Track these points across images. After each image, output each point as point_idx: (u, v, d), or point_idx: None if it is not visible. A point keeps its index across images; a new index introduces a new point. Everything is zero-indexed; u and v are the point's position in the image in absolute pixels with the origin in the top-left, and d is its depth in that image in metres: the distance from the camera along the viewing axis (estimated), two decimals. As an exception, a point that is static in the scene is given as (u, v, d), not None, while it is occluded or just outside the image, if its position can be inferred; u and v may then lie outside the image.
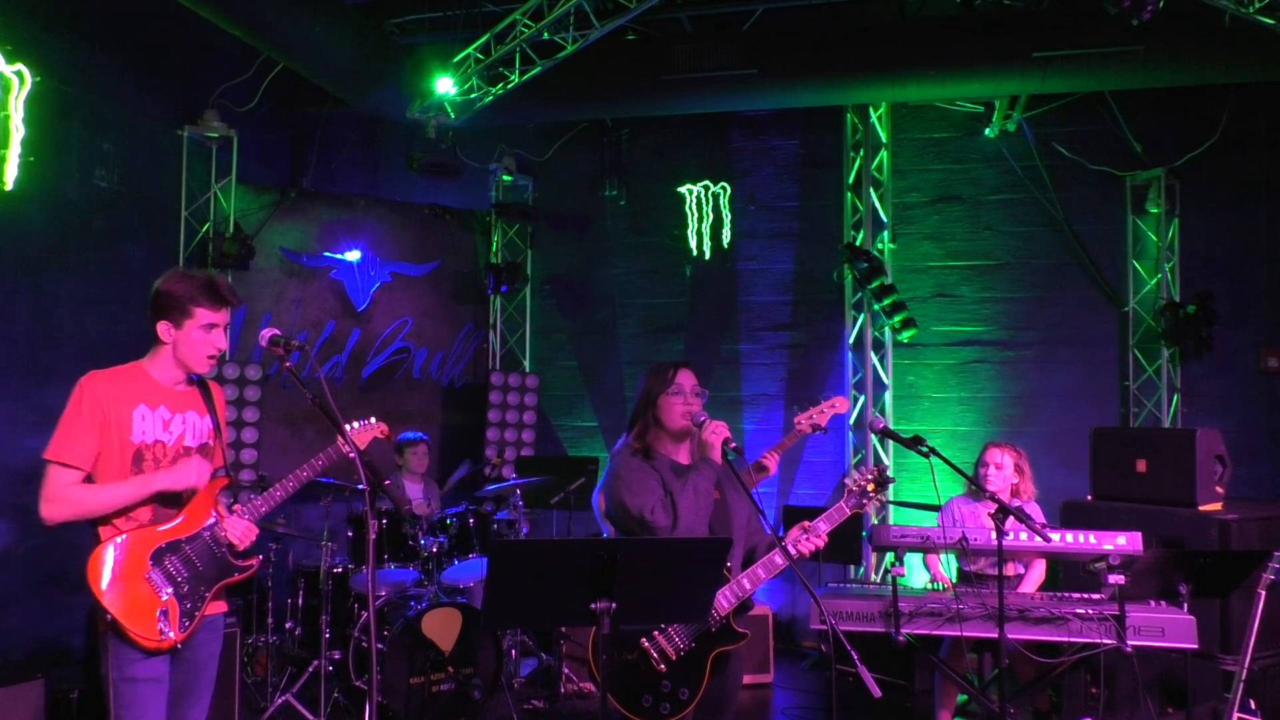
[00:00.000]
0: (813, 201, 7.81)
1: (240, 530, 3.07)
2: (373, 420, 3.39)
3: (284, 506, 6.45)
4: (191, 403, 3.11)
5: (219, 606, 3.10)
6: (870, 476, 3.34)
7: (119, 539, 2.90)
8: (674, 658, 3.21)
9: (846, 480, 3.40)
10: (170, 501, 3.01)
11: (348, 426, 3.28)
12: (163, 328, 3.01)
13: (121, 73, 6.52)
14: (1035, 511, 4.89)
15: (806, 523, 3.33)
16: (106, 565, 2.86)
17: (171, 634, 2.89)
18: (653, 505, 3.21)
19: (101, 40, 6.33)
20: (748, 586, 3.27)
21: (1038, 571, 4.96)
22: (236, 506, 3.14)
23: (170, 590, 2.92)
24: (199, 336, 3.01)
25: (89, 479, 2.92)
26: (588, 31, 6.30)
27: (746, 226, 7.91)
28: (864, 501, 3.33)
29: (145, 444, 2.97)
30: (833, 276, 7.64)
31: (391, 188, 8.24)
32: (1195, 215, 7.15)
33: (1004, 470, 4.87)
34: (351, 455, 3.02)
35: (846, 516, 3.35)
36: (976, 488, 4.64)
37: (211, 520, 3.06)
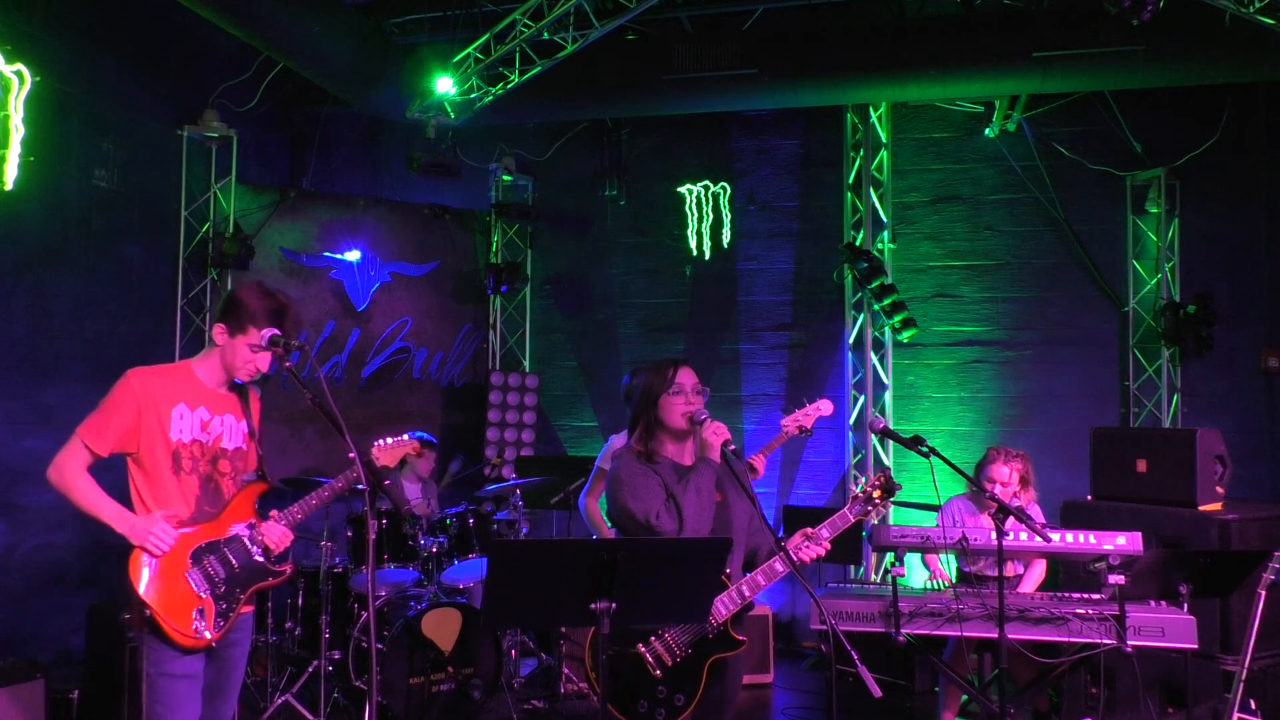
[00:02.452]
0: (813, 201, 7.80)
1: (277, 535, 3.13)
2: (405, 437, 3.42)
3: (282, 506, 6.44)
4: (231, 406, 3.17)
5: (248, 607, 3.14)
6: (877, 483, 3.28)
7: None
8: (670, 663, 3.19)
9: (852, 486, 3.37)
10: (212, 502, 3.06)
11: (381, 442, 3.39)
12: (218, 330, 3.11)
13: (121, 73, 6.51)
14: (1036, 513, 4.88)
15: (809, 529, 3.30)
16: (147, 563, 2.90)
17: (207, 633, 2.94)
18: (657, 510, 3.19)
19: (101, 40, 6.33)
20: (747, 594, 3.23)
21: (1037, 571, 4.96)
22: (273, 512, 3.18)
23: (208, 590, 2.97)
24: (246, 353, 3.08)
25: (95, 463, 2.97)
26: (588, 31, 6.30)
27: (746, 226, 7.90)
28: (869, 509, 3.26)
29: (182, 443, 3.02)
30: (833, 276, 7.64)
31: (391, 188, 8.24)
32: (1195, 215, 7.14)
33: (1010, 486, 4.86)
34: (351, 455, 3.00)
35: (850, 524, 3.30)
36: (978, 489, 4.63)
37: (249, 523, 3.11)
